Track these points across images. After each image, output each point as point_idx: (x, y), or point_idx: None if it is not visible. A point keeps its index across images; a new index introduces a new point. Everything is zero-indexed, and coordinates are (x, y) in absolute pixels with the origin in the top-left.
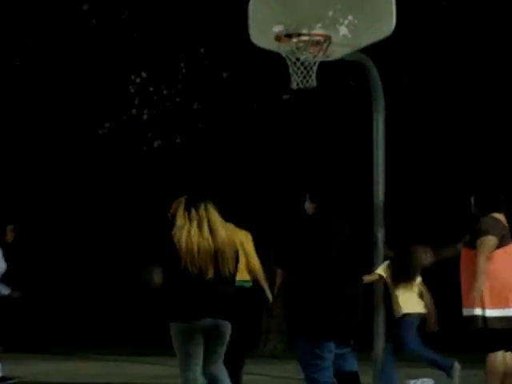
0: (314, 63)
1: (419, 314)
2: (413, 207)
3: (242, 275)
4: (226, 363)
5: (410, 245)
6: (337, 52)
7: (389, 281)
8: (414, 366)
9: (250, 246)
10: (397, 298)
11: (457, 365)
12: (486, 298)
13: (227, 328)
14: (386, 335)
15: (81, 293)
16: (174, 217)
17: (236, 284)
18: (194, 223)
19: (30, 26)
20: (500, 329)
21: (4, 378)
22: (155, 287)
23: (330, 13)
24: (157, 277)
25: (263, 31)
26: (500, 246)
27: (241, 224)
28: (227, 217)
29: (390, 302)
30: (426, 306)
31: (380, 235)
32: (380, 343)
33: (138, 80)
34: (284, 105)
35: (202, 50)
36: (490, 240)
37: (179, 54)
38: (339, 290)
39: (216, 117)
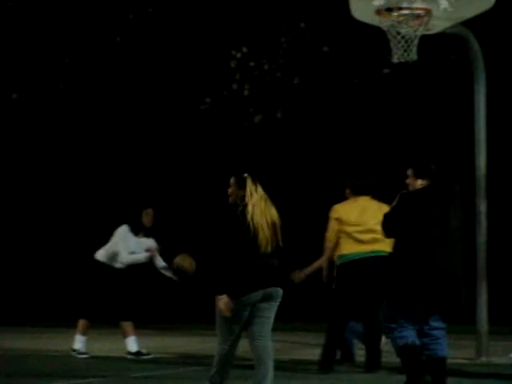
0: (415, 37)
1: None
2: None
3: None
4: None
5: None
6: (438, 25)
7: None
8: None
9: None
10: None
11: None
12: None
13: (277, 298)
14: None
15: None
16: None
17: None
18: (261, 199)
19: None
20: None
21: (139, 353)
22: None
23: None
24: (191, 264)
25: (364, 5)
26: None
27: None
28: None
29: None
30: None
31: (482, 207)
32: (483, 315)
33: (238, 55)
34: (385, 79)
35: (302, 25)
36: None
37: (280, 28)
38: (433, 260)
39: (316, 91)
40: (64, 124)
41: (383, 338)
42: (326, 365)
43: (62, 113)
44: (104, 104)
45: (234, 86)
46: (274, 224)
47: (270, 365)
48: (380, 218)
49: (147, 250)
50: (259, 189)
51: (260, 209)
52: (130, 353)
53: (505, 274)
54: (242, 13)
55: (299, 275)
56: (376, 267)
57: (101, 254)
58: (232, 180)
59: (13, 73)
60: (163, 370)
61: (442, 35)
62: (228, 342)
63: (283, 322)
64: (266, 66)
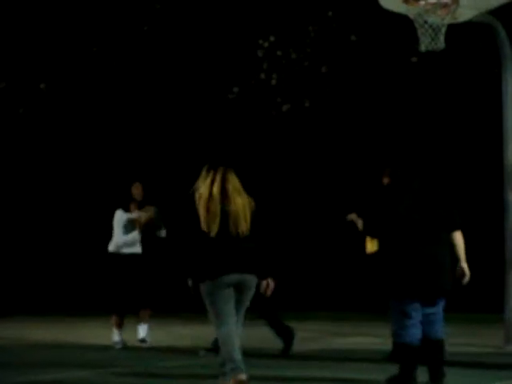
0: (443, 25)
1: None
2: None
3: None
4: None
5: None
6: (465, 14)
7: None
8: None
9: None
10: None
11: None
12: None
13: (253, 283)
14: None
15: None
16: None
17: None
18: (213, 184)
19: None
20: None
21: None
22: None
23: None
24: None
25: None
26: None
27: None
28: None
29: None
30: None
31: (511, 197)
32: (511, 305)
33: (266, 44)
34: (412, 67)
35: (329, 14)
36: None
37: (307, 17)
38: (420, 251)
39: (345, 80)
40: (71, 117)
41: None
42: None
43: (71, 106)
44: (128, 93)
45: (262, 76)
46: (236, 211)
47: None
48: None
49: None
50: (218, 177)
51: (206, 197)
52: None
53: None
54: (270, 1)
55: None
56: None
57: (111, 245)
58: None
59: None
60: (182, 360)
61: (469, 24)
62: (222, 324)
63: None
64: (293, 55)
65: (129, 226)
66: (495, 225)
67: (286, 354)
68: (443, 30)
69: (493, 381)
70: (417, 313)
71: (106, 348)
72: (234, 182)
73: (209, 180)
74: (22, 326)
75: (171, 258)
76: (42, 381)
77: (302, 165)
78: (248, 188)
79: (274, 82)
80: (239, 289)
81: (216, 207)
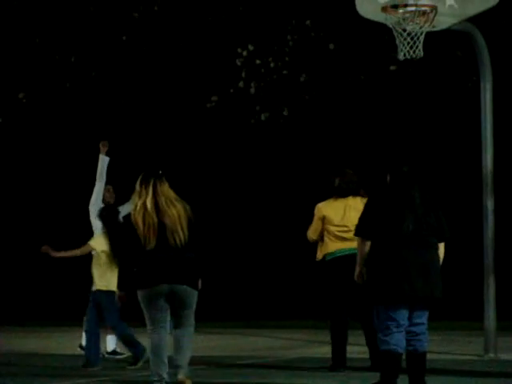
0: (421, 33)
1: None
2: None
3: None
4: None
5: None
6: (443, 22)
7: None
8: None
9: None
10: None
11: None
12: None
13: (186, 293)
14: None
15: None
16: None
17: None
18: (146, 198)
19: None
20: None
21: (115, 352)
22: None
23: None
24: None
25: (369, 2)
26: None
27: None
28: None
29: None
30: None
31: (489, 204)
32: (491, 312)
33: (244, 53)
34: (391, 76)
35: (308, 22)
36: None
37: (286, 26)
38: (413, 257)
39: (323, 89)
40: (62, 124)
41: None
42: (336, 363)
43: (61, 113)
44: (108, 103)
45: (241, 84)
46: (172, 223)
47: (187, 354)
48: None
49: None
50: (150, 190)
51: (141, 210)
52: (106, 352)
53: None
54: (248, 10)
55: None
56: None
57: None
58: None
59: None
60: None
61: (447, 32)
62: (153, 331)
63: (292, 319)
64: (272, 64)
65: None
66: (474, 233)
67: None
68: (422, 38)
69: None
70: (404, 320)
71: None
72: (166, 193)
73: (142, 194)
74: (10, 336)
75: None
76: None
77: (281, 171)
78: (227, 194)
79: (252, 90)
80: (171, 299)
81: (152, 220)
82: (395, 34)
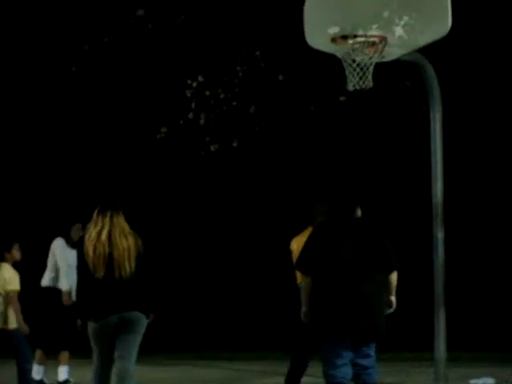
0: (370, 64)
1: None
2: (473, 207)
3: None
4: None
5: None
6: (393, 53)
7: None
8: (476, 366)
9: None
10: None
11: None
12: None
13: (135, 318)
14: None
15: None
16: None
17: None
18: (102, 228)
19: (86, 31)
20: None
21: (67, 381)
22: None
23: (386, 13)
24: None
25: (319, 33)
26: None
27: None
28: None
29: None
30: None
31: (439, 234)
32: (441, 342)
33: (194, 84)
34: (341, 106)
35: (257, 53)
36: None
37: (235, 57)
38: (353, 291)
39: (273, 120)
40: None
41: None
42: None
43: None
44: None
45: (190, 115)
46: (121, 255)
47: None
48: None
49: None
50: (106, 221)
51: (94, 241)
52: (58, 382)
53: (463, 300)
54: (197, 42)
55: None
56: None
57: (45, 279)
58: None
59: None
60: None
61: (397, 62)
62: (98, 362)
63: (245, 351)
64: (221, 95)
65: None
66: (424, 263)
67: None
68: (371, 68)
69: None
70: (347, 352)
71: None
72: (121, 225)
73: (98, 224)
74: None
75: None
76: None
77: (230, 203)
78: (175, 228)
79: (202, 121)
80: (120, 329)
81: (103, 250)
82: (345, 64)
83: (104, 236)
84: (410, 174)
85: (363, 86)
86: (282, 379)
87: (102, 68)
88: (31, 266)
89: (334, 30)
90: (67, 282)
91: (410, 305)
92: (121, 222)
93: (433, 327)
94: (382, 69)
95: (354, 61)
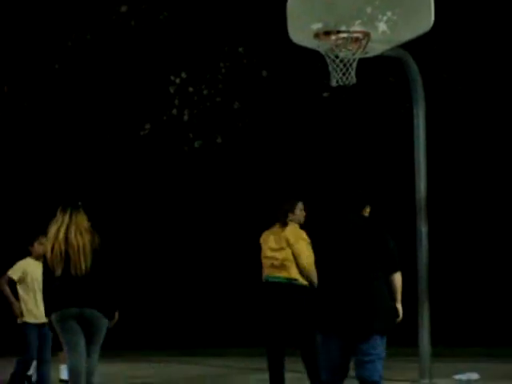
0: (354, 60)
1: None
2: (456, 202)
3: (289, 273)
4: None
5: None
6: (376, 48)
7: None
8: (460, 361)
9: (299, 245)
10: None
11: None
12: None
13: (95, 316)
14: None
15: None
16: None
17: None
18: (60, 226)
19: (69, 27)
20: None
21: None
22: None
23: (369, 9)
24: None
25: (302, 29)
26: None
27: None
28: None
29: None
30: None
31: (423, 229)
32: (425, 337)
33: (177, 80)
34: (324, 102)
35: (240, 49)
36: None
37: (218, 53)
38: (348, 288)
39: (256, 116)
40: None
41: None
42: None
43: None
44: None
45: (174, 112)
46: (76, 253)
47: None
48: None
49: None
50: (65, 219)
51: (52, 238)
52: (60, 380)
53: (447, 295)
54: (180, 38)
55: None
56: (277, 292)
57: None
58: None
59: None
60: None
61: (380, 58)
62: (70, 356)
63: (227, 347)
64: (205, 91)
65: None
66: (408, 258)
67: None
68: (354, 64)
69: None
70: (339, 346)
71: None
72: (79, 223)
73: (58, 222)
74: None
75: None
76: None
77: (212, 199)
78: (158, 221)
79: (185, 117)
80: (82, 323)
81: (59, 248)
82: (328, 60)
83: (62, 234)
84: (393, 169)
85: (346, 82)
86: (262, 375)
87: (85, 65)
88: None
89: (317, 26)
90: None
91: (392, 299)
92: (79, 219)
93: (417, 322)
94: (365, 64)
95: (337, 56)
